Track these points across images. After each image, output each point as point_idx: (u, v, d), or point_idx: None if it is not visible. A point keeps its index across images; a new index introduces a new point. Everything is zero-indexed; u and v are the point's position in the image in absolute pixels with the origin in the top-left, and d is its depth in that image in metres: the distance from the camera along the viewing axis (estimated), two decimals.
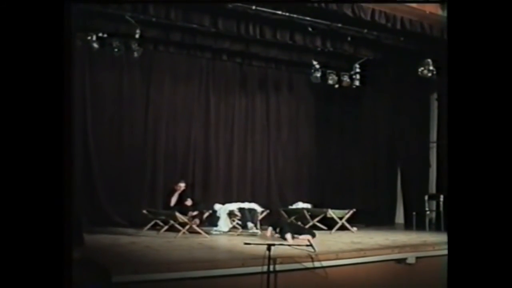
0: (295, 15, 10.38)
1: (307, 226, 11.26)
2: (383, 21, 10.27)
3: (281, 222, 10.69)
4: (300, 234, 9.55)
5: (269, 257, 6.17)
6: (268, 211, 11.39)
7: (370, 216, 12.98)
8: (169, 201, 11.13)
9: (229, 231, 10.79)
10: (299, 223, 11.32)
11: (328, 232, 11.15)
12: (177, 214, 10.06)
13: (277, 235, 9.94)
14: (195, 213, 10.66)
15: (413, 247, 8.96)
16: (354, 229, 11.43)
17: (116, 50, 10.92)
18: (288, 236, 9.31)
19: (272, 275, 6.23)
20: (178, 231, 9.95)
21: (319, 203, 12.41)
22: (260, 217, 11.04)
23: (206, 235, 9.99)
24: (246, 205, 11.19)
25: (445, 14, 9.93)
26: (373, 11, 10.12)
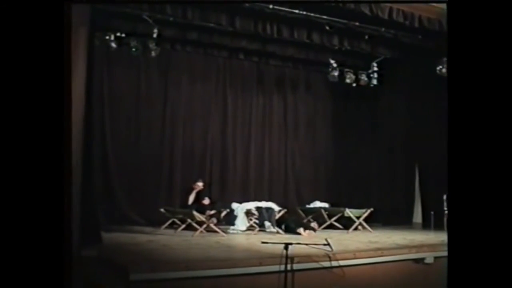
0: (312, 14, 10.35)
1: (324, 226, 11.32)
2: (401, 19, 10.21)
3: (286, 219, 11.05)
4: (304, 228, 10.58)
5: (287, 256, 6.18)
6: (285, 210, 11.39)
7: (388, 215, 12.94)
8: (187, 199, 11.20)
9: (247, 230, 10.81)
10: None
11: (345, 231, 11.13)
12: (195, 213, 10.10)
13: (281, 231, 10.52)
14: (212, 212, 10.69)
15: (431, 246, 8.90)
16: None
17: (133, 49, 10.97)
18: (301, 230, 10.35)
19: (289, 274, 6.23)
20: (195, 230, 9.98)
21: (336, 202, 12.41)
22: (277, 216, 11.05)
23: (224, 234, 10.01)
24: (264, 204, 11.21)
25: None
26: (390, 9, 10.06)
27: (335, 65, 12.80)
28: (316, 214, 11.87)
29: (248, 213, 10.98)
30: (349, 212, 11.30)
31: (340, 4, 9.60)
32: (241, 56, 13.07)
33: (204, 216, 10.29)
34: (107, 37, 10.66)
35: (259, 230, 10.67)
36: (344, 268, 7.16)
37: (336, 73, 12.85)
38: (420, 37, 11.28)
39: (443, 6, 10.14)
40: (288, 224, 10.82)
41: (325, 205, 12.25)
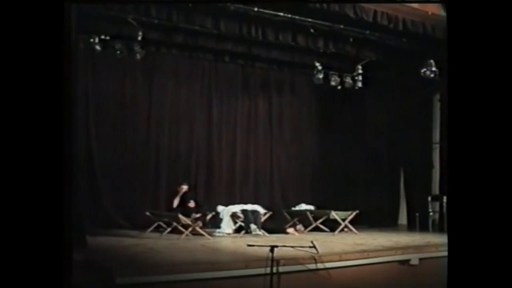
0: (297, 17, 10.37)
1: (309, 228, 11.36)
2: (385, 22, 10.27)
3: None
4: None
5: (272, 259, 6.17)
6: (271, 212, 11.40)
7: (373, 217, 12.97)
8: (172, 203, 11.15)
9: (232, 232, 10.80)
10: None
11: (331, 233, 11.16)
12: (180, 216, 10.07)
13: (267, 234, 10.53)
14: (198, 215, 10.67)
15: (417, 248, 8.95)
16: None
17: (118, 52, 10.90)
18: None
19: (275, 277, 6.22)
20: (181, 233, 9.96)
21: (322, 205, 12.40)
22: (262, 218, 11.05)
23: (209, 237, 10.00)
24: (249, 206, 11.22)
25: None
26: (375, 12, 10.12)
27: (320, 67, 12.81)
28: (302, 217, 11.90)
29: (234, 216, 10.98)
30: (334, 214, 11.33)
31: (325, 6, 9.62)
32: (227, 59, 13.07)
33: (190, 219, 10.27)
34: (92, 40, 10.58)
35: (245, 233, 10.67)
36: (330, 270, 7.16)
37: (321, 76, 12.86)
38: (404, 39, 11.35)
39: (427, 9, 10.24)
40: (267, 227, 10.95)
41: (311, 207, 12.27)
